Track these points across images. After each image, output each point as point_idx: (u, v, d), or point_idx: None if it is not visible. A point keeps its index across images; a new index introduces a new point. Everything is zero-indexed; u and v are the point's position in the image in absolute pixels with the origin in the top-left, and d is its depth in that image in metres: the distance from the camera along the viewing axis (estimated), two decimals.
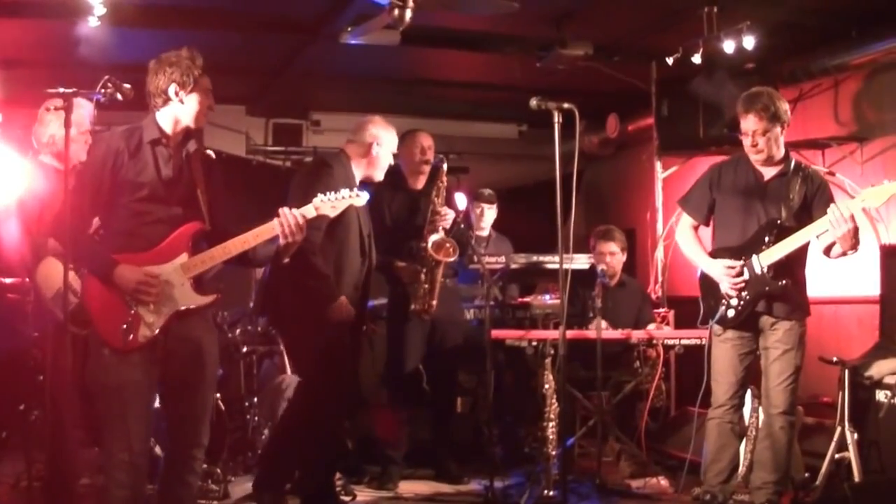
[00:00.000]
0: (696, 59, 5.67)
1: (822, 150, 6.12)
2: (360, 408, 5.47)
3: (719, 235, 4.37)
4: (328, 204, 3.56)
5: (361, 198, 3.63)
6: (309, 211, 3.53)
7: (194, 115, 3.43)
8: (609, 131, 7.46)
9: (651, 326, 5.57)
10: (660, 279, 6.72)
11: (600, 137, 7.65)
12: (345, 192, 3.60)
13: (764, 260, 4.15)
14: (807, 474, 4.64)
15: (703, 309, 4.39)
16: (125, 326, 3.28)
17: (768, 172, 4.25)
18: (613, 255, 5.74)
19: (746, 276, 4.19)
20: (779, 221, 4.16)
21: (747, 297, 4.20)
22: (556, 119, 3.86)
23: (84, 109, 3.79)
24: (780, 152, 4.22)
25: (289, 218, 3.46)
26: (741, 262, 4.20)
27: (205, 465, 3.90)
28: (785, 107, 4.19)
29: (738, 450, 4.38)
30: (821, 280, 5.77)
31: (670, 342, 5.09)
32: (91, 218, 3.37)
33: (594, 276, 5.28)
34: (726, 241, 4.31)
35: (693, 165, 6.41)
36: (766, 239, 4.15)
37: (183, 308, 3.38)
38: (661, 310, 6.19)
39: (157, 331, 3.33)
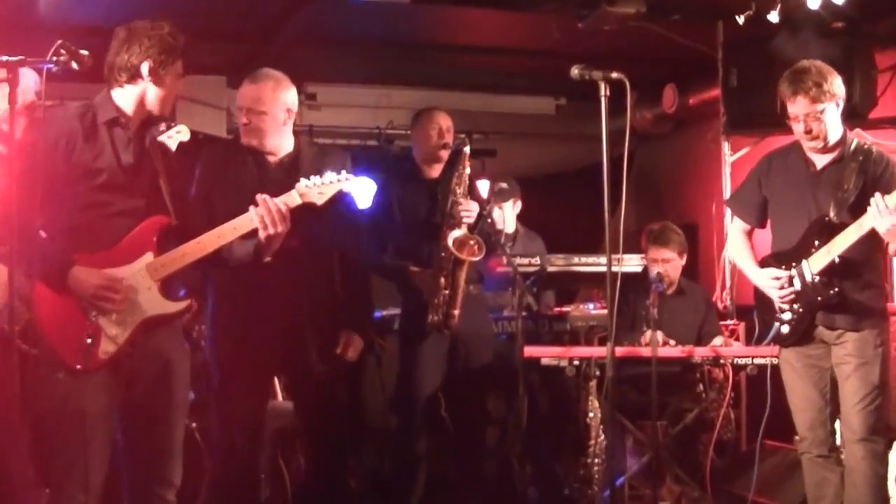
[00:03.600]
0: (773, 17, 5.65)
1: None
2: (365, 440, 5.48)
3: (774, 238, 4.43)
4: (314, 190, 3.63)
5: (353, 181, 3.66)
6: (293, 199, 3.60)
7: (161, 101, 3.49)
8: (666, 106, 7.53)
9: (717, 342, 5.56)
10: (727, 285, 6.71)
11: (655, 113, 7.76)
12: (331, 175, 3.64)
13: (814, 265, 4.18)
14: None
15: (758, 326, 4.47)
16: (83, 341, 3.30)
17: (821, 160, 4.26)
18: (668, 261, 5.68)
19: (798, 285, 4.22)
20: (827, 218, 4.18)
21: (800, 310, 4.24)
22: (602, 91, 3.81)
23: (27, 79, 3.78)
24: (836, 135, 4.22)
25: (270, 206, 3.50)
26: (790, 271, 4.25)
27: None
28: (838, 80, 4.19)
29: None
30: None
31: (741, 361, 5.08)
32: (40, 210, 3.37)
33: (648, 281, 5.26)
34: (780, 244, 4.38)
35: (768, 147, 6.32)
36: (816, 241, 4.19)
37: (150, 316, 3.40)
38: (729, 322, 6.21)
39: (121, 344, 3.36)
